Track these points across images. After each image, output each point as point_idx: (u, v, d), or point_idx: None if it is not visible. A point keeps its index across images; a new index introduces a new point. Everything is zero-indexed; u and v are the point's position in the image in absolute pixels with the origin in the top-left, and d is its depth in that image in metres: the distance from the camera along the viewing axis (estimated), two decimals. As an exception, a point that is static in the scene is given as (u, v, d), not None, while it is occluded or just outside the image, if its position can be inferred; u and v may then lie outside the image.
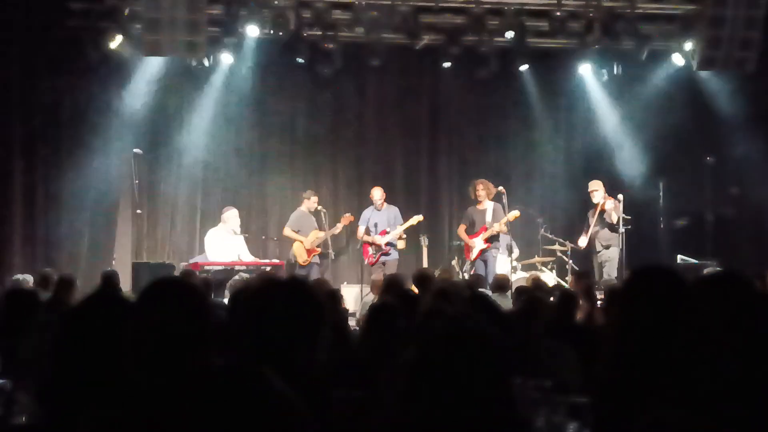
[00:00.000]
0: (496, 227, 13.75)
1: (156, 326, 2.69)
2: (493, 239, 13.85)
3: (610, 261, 13.85)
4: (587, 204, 14.83)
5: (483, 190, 13.99)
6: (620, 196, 13.79)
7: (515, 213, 13.95)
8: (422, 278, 9.55)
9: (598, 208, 13.97)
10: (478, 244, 13.86)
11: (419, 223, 14.55)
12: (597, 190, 14.07)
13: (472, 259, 13.95)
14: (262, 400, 2.50)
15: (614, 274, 13.52)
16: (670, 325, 3.31)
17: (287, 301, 3.42)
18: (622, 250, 13.68)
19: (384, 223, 14.42)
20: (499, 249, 14.03)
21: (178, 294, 2.80)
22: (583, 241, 14.14)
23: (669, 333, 3.29)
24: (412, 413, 2.65)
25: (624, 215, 13.67)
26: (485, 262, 13.87)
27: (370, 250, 14.42)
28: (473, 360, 2.63)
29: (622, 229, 13.68)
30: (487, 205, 13.98)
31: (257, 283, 4.12)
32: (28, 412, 3.93)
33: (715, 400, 3.04)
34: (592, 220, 14.06)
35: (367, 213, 14.62)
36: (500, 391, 2.66)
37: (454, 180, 16.56)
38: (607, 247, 13.91)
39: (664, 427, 1.89)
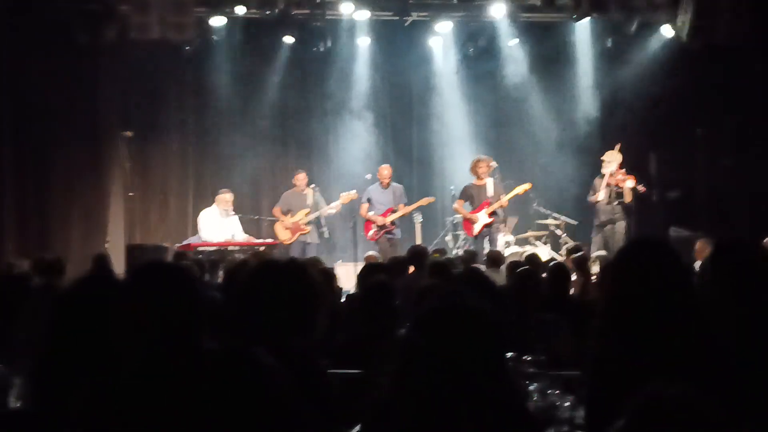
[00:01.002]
0: (503, 201, 13.72)
1: (145, 311, 2.68)
2: (494, 214, 13.79)
3: (618, 234, 13.73)
4: (579, 177, 14.88)
5: (485, 166, 13.90)
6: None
7: (525, 186, 13.93)
8: (417, 255, 9.55)
9: (608, 179, 13.80)
10: (482, 218, 13.73)
11: (429, 204, 14.55)
12: (610, 161, 13.91)
13: (474, 234, 13.85)
14: (254, 381, 2.50)
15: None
16: (662, 298, 3.30)
17: (284, 285, 3.41)
18: (629, 223, 13.72)
19: (390, 201, 14.37)
20: (501, 224, 13.99)
21: (166, 278, 2.79)
22: (601, 195, 13.91)
23: (661, 305, 3.29)
24: (407, 391, 2.65)
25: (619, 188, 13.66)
26: (488, 237, 13.81)
27: (373, 226, 14.35)
28: (468, 336, 2.62)
29: (615, 202, 13.66)
30: (487, 181, 13.90)
31: (254, 264, 4.12)
32: (23, 397, 3.93)
33: (711, 372, 3.05)
34: (600, 189, 13.89)
35: (372, 190, 14.53)
36: (495, 367, 2.65)
37: (446, 156, 16.54)
38: (613, 222, 13.79)
39: (660, 402, 1.88)
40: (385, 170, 14.51)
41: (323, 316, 3.56)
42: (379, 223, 14.24)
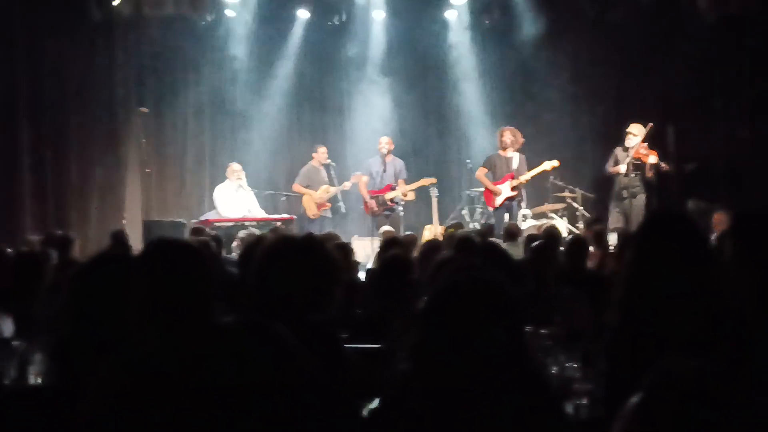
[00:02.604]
0: (529, 175, 13.64)
1: (155, 287, 2.70)
2: (517, 188, 13.66)
3: (637, 207, 13.64)
4: (596, 149, 14.86)
5: (511, 136, 13.74)
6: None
7: (553, 163, 13.82)
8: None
9: (631, 152, 13.69)
10: (505, 191, 13.63)
11: (431, 185, 14.38)
12: (636, 135, 13.74)
13: (497, 205, 13.72)
14: (272, 354, 2.51)
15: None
16: (682, 271, 3.29)
17: (302, 260, 3.42)
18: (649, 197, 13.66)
19: (390, 176, 14.24)
20: (523, 199, 13.88)
21: (175, 254, 2.80)
22: (622, 167, 13.73)
23: (681, 278, 3.28)
24: (426, 364, 2.65)
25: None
26: (509, 211, 13.72)
27: (370, 201, 14.20)
28: (485, 310, 2.63)
29: (634, 174, 13.59)
30: (512, 154, 13.76)
31: (272, 240, 4.13)
32: (43, 373, 3.96)
33: (730, 344, 3.04)
34: (622, 162, 13.75)
35: (372, 163, 14.42)
36: (513, 340, 2.65)
37: (462, 129, 16.50)
38: (633, 195, 13.71)
39: (677, 375, 1.87)
40: (383, 142, 14.36)
41: (340, 291, 3.57)
42: (377, 205, 14.11)
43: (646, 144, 13.71)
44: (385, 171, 14.16)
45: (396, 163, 14.34)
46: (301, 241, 3.66)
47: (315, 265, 3.44)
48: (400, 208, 14.28)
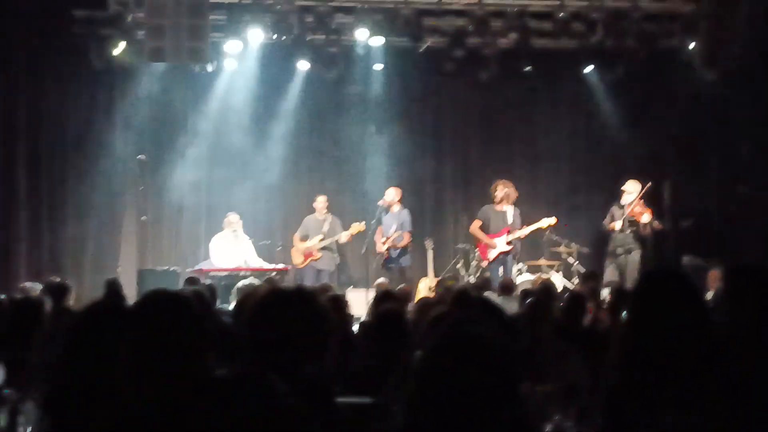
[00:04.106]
0: (525, 231, 13.64)
1: (147, 340, 2.69)
2: (511, 242, 13.65)
3: (632, 263, 13.63)
4: (592, 206, 14.87)
5: (503, 190, 13.78)
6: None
7: (550, 221, 13.84)
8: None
9: (627, 209, 13.71)
10: (500, 245, 13.62)
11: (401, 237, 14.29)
12: (631, 192, 13.80)
13: (490, 259, 13.71)
14: (267, 408, 2.49)
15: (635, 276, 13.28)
16: (681, 330, 3.29)
17: (291, 312, 3.41)
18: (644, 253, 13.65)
19: (390, 227, 14.23)
20: (518, 253, 13.87)
21: (168, 307, 2.79)
22: (617, 224, 13.76)
23: (680, 337, 3.28)
24: (420, 420, 2.64)
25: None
26: (504, 265, 13.71)
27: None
28: (479, 366, 2.62)
29: (628, 230, 13.61)
30: (507, 208, 13.78)
31: (263, 292, 4.11)
32: (34, 423, 3.93)
33: (726, 403, 3.02)
34: (618, 219, 13.79)
35: (382, 214, 14.40)
36: (508, 397, 2.64)
37: (459, 182, 16.53)
38: (628, 251, 13.72)
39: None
40: (386, 194, 14.39)
41: (333, 344, 3.55)
42: (378, 250, 14.17)
43: (642, 201, 13.73)
44: (387, 222, 14.18)
45: (401, 215, 14.33)
46: (290, 292, 3.65)
47: (303, 316, 3.42)
48: (401, 263, 14.25)
